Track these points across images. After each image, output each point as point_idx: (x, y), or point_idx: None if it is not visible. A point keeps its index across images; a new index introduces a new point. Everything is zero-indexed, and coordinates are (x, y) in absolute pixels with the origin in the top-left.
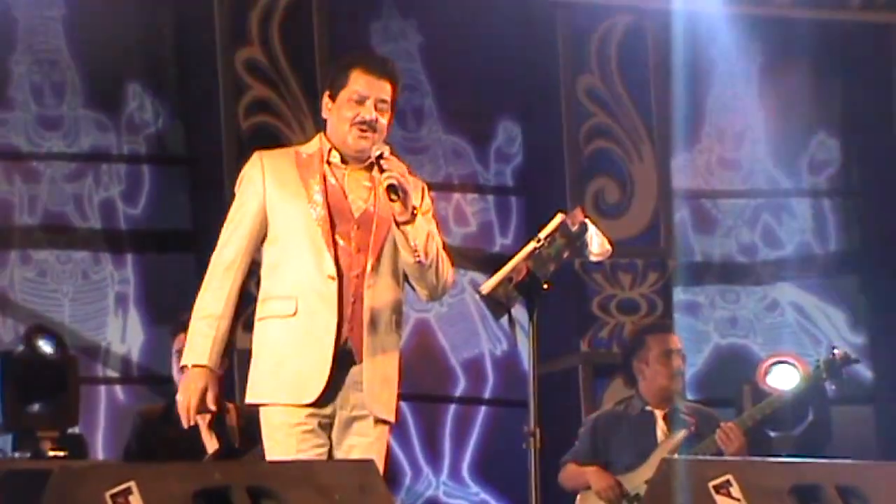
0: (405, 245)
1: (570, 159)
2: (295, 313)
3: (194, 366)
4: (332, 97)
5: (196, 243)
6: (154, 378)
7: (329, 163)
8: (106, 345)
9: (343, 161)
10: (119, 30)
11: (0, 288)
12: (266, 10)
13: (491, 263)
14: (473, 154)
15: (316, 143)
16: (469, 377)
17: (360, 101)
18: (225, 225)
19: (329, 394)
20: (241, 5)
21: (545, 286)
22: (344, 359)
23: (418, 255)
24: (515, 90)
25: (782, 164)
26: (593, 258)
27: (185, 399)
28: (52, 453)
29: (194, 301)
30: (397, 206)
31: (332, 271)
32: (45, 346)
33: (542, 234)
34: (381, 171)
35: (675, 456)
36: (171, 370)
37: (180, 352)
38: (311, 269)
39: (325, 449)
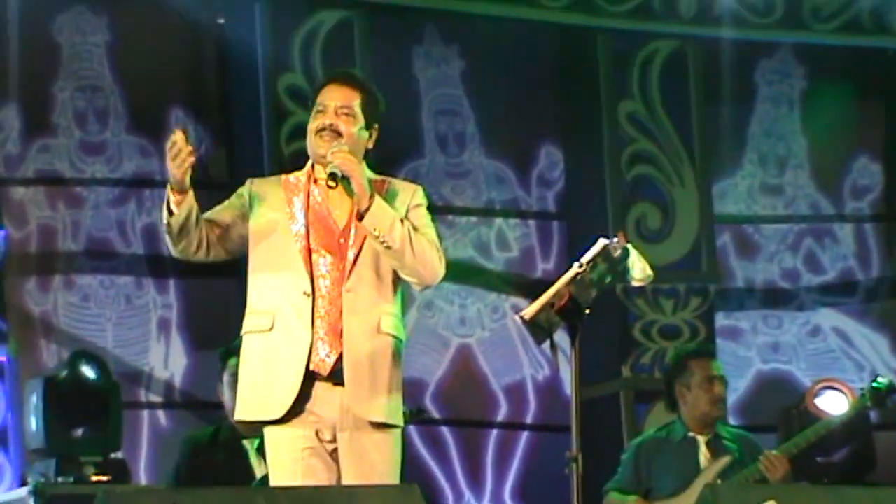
0: (370, 234)
1: (612, 184)
2: (271, 328)
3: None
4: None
5: (238, 268)
6: (197, 403)
7: (316, 180)
8: (149, 370)
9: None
10: (162, 55)
11: (44, 313)
12: (309, 36)
13: (533, 289)
14: (515, 179)
15: (306, 167)
16: (511, 402)
17: (324, 111)
18: None
19: (309, 413)
20: (284, 31)
21: (587, 311)
22: (322, 375)
23: (384, 241)
24: (557, 115)
25: (824, 188)
26: (635, 283)
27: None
28: (94, 478)
29: (237, 326)
30: (350, 193)
31: (308, 288)
32: (88, 371)
33: (584, 260)
34: (326, 163)
35: (718, 482)
36: (217, 395)
37: (235, 376)
38: (287, 285)
39: (333, 474)
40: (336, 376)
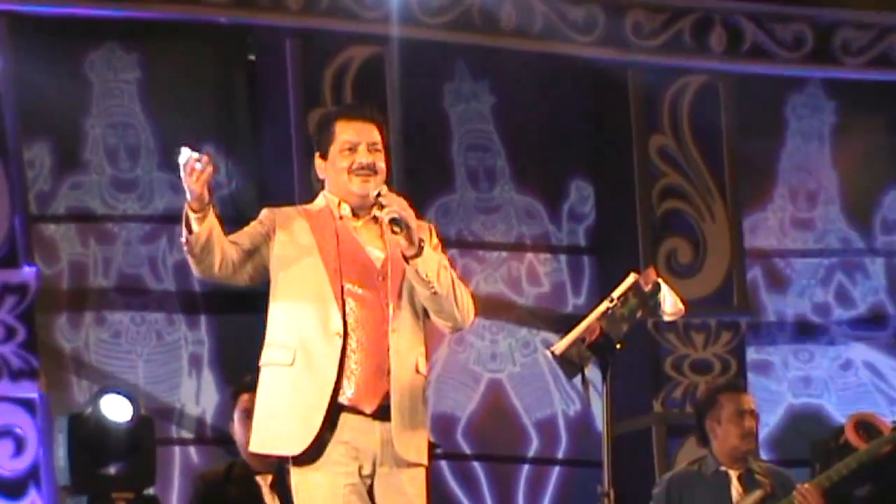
0: (417, 278)
1: (643, 219)
2: (292, 363)
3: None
4: (324, 156)
5: (269, 304)
6: (228, 439)
7: (341, 217)
8: (180, 406)
9: (353, 214)
10: (193, 92)
11: (75, 349)
12: (340, 70)
13: (564, 323)
14: (546, 214)
15: (321, 201)
16: (542, 437)
17: (353, 149)
18: None
19: (351, 448)
20: (315, 67)
21: (618, 346)
22: (364, 412)
23: (432, 287)
24: (588, 150)
25: (855, 223)
26: (666, 318)
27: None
28: None
29: None
30: (402, 239)
31: (340, 328)
32: (115, 408)
33: (615, 294)
34: (381, 207)
35: None
36: (231, 432)
37: (247, 412)
38: (315, 323)
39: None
40: (380, 414)
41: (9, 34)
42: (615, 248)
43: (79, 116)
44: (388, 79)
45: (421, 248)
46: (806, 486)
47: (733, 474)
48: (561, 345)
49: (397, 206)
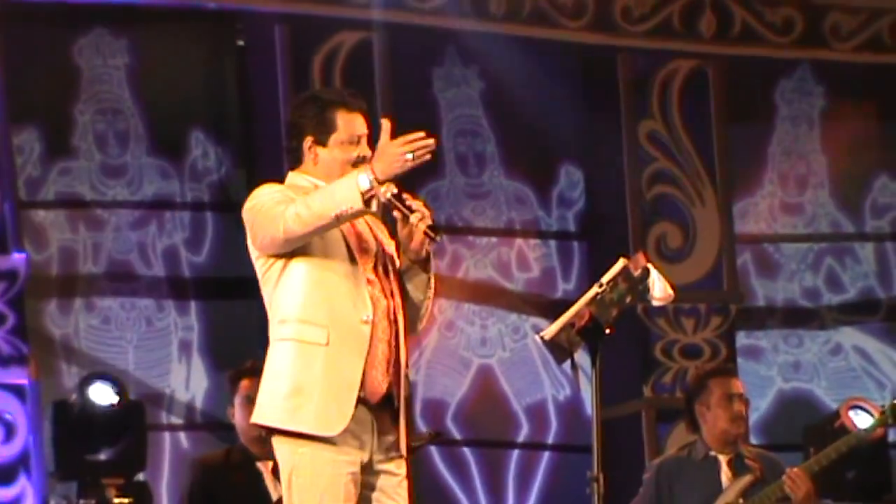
0: (425, 285)
1: (632, 204)
2: (327, 344)
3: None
4: (321, 142)
5: (259, 290)
6: (218, 425)
7: None
8: (170, 392)
9: None
10: (182, 77)
11: (64, 336)
12: (328, 57)
13: (553, 309)
14: (535, 199)
15: (307, 184)
16: (532, 422)
17: (356, 142)
18: (267, 206)
19: (354, 437)
20: (304, 53)
21: (607, 331)
22: (370, 402)
23: (430, 291)
24: (577, 135)
25: (845, 207)
26: (656, 303)
27: (396, 152)
28: (116, 500)
29: (258, 347)
30: (428, 245)
31: (370, 315)
32: (100, 394)
33: (605, 279)
34: (409, 209)
35: (740, 501)
36: (230, 417)
37: (248, 398)
38: (349, 306)
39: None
40: (380, 405)
41: None
42: (605, 233)
43: (67, 102)
44: (377, 64)
45: (430, 252)
46: (795, 470)
47: (723, 459)
48: (550, 330)
49: (425, 211)
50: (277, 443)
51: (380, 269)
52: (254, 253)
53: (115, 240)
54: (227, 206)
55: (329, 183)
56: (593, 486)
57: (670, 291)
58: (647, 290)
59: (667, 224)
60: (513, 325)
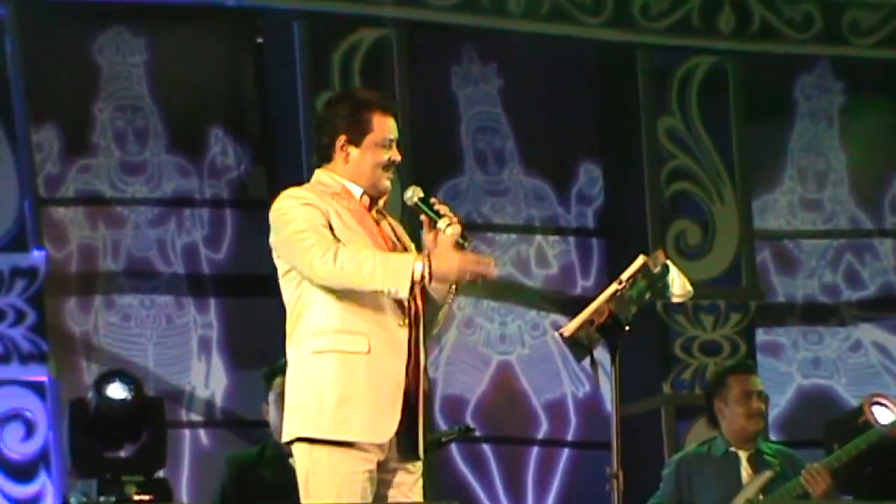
0: (446, 293)
1: (652, 201)
2: (368, 352)
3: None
4: (354, 142)
5: (278, 287)
6: (238, 422)
7: (366, 207)
8: (190, 389)
9: (368, 206)
10: (201, 75)
11: (84, 333)
12: (348, 53)
13: (572, 306)
14: (554, 196)
15: (334, 183)
16: (551, 419)
17: (389, 146)
18: (298, 229)
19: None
20: (324, 49)
21: (627, 328)
22: (405, 407)
23: (450, 301)
24: (596, 132)
25: (864, 204)
26: (675, 300)
27: (463, 262)
28: (136, 497)
29: (278, 344)
30: (384, 225)
31: (404, 318)
32: (117, 392)
33: (624, 276)
34: (437, 214)
35: (760, 497)
36: (262, 414)
37: (281, 395)
38: (386, 311)
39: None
40: (404, 405)
41: (17, 18)
42: (624, 230)
43: (87, 100)
44: (395, 61)
45: None
46: (815, 466)
47: (743, 455)
48: (570, 327)
49: (455, 217)
50: (297, 448)
51: None
52: (275, 253)
53: (134, 237)
54: (247, 204)
55: (356, 182)
56: (613, 482)
57: (689, 288)
58: (666, 286)
59: (686, 221)
60: (532, 321)
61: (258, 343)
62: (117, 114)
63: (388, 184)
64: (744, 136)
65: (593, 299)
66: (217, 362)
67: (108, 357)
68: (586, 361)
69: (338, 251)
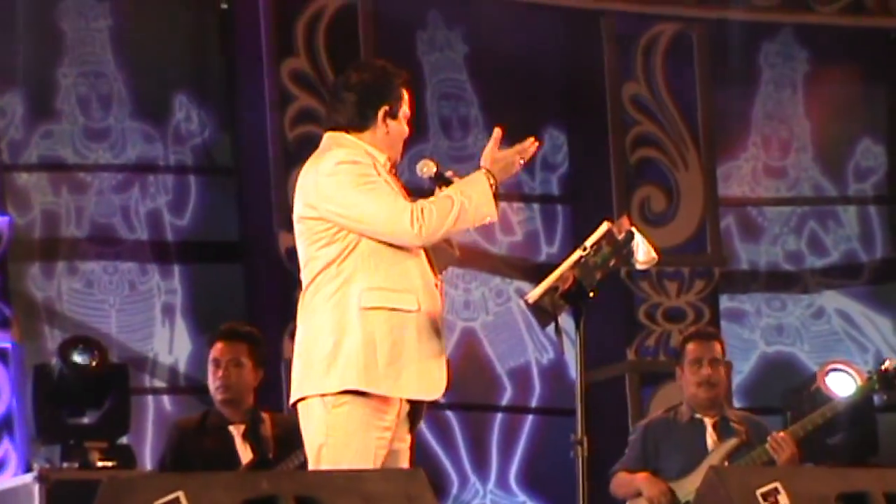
0: (451, 260)
1: (616, 168)
2: (419, 309)
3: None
4: (393, 114)
5: (243, 254)
6: (201, 388)
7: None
8: (153, 355)
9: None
10: (165, 41)
11: (47, 299)
12: (312, 20)
13: (537, 272)
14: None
15: (357, 146)
16: (516, 386)
17: (409, 119)
18: (373, 194)
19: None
20: (288, 16)
21: (591, 294)
22: None
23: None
24: (561, 98)
25: (828, 171)
26: (639, 266)
27: (512, 159)
28: (100, 464)
29: (242, 311)
30: None
31: (435, 279)
32: (80, 358)
33: (588, 243)
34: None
35: (725, 464)
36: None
37: (215, 361)
38: (426, 272)
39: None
40: None
41: None
42: (588, 196)
43: (50, 65)
44: (360, 27)
45: None
46: (781, 434)
47: (708, 422)
48: (534, 293)
49: None
50: (309, 406)
51: None
52: (314, 213)
53: (97, 203)
54: (211, 170)
55: (383, 152)
56: (577, 449)
57: (654, 255)
58: (630, 253)
59: (650, 187)
60: (496, 288)
61: (222, 309)
62: (81, 79)
63: (398, 156)
64: (708, 103)
65: (558, 266)
66: (181, 329)
67: (71, 323)
68: (550, 328)
69: (423, 210)
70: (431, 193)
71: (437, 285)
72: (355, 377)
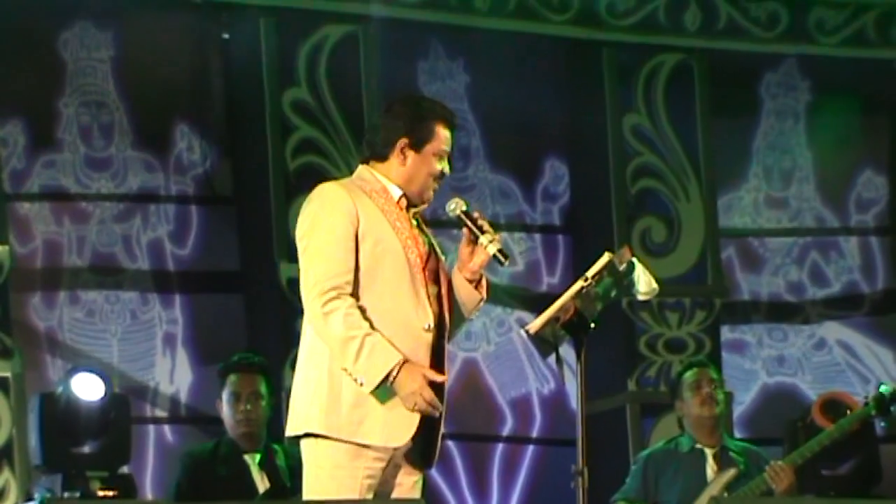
0: (476, 304)
1: (617, 198)
2: None
3: (403, 361)
4: (415, 147)
5: (244, 283)
6: (202, 418)
7: (404, 209)
8: (154, 385)
9: (407, 207)
10: (167, 71)
11: (49, 328)
12: (314, 50)
13: (538, 303)
14: (520, 193)
15: (374, 181)
16: (517, 416)
17: (444, 157)
18: (323, 239)
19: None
20: (289, 46)
21: (592, 325)
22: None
23: (482, 301)
24: (562, 129)
25: (830, 202)
26: (640, 297)
27: (420, 390)
28: (101, 493)
29: (243, 340)
30: (413, 228)
31: (431, 322)
32: (86, 387)
33: (589, 273)
34: (480, 229)
35: (724, 494)
36: (219, 410)
37: (235, 394)
38: (410, 315)
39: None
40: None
41: None
42: (589, 227)
43: (52, 95)
44: (362, 58)
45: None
46: (779, 463)
47: (709, 452)
48: (535, 324)
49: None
50: (304, 442)
51: (430, 272)
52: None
53: (99, 233)
54: (212, 200)
55: (406, 189)
56: (578, 479)
57: (655, 285)
58: (631, 283)
59: (651, 218)
60: (497, 318)
61: (223, 339)
62: (83, 109)
63: (431, 194)
64: (709, 134)
65: (559, 296)
66: (182, 358)
67: (72, 353)
68: (552, 358)
69: (345, 312)
70: (458, 228)
71: (428, 328)
72: (319, 421)
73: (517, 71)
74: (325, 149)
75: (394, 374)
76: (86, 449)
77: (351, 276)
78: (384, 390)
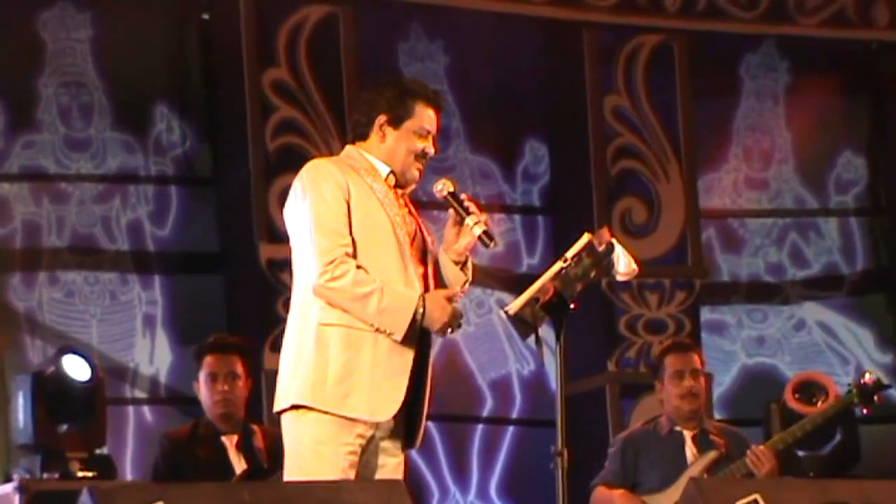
0: (463, 281)
1: (597, 179)
2: (377, 329)
3: (422, 298)
4: (393, 124)
5: (223, 264)
6: (182, 399)
7: (391, 187)
8: (134, 366)
9: (395, 187)
10: (146, 51)
11: (28, 309)
12: (293, 31)
13: (518, 283)
14: (500, 174)
15: (362, 160)
16: (496, 397)
17: (425, 136)
18: (319, 209)
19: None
20: (269, 26)
21: (572, 306)
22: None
23: (467, 280)
24: (542, 110)
25: (809, 183)
26: (620, 278)
27: (450, 318)
28: (80, 474)
29: (222, 321)
30: (402, 207)
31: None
32: (76, 367)
33: (569, 254)
34: (466, 210)
35: (705, 477)
36: (196, 392)
37: (212, 375)
38: (399, 288)
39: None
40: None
41: None
42: (569, 208)
43: (32, 76)
44: (342, 38)
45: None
46: (760, 447)
47: (688, 434)
48: (515, 305)
49: (483, 216)
50: (287, 416)
51: (417, 252)
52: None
53: (78, 213)
54: (192, 181)
55: (392, 167)
56: (557, 460)
57: (635, 266)
58: (611, 265)
59: (631, 199)
60: (477, 299)
61: (202, 320)
62: (62, 90)
63: (416, 174)
64: (689, 115)
65: (538, 277)
66: (161, 339)
67: (52, 334)
68: (531, 339)
69: (354, 272)
70: (446, 210)
71: None
72: (305, 393)
73: (497, 52)
74: (304, 129)
75: (420, 312)
76: (65, 429)
77: (349, 241)
78: (370, 364)
